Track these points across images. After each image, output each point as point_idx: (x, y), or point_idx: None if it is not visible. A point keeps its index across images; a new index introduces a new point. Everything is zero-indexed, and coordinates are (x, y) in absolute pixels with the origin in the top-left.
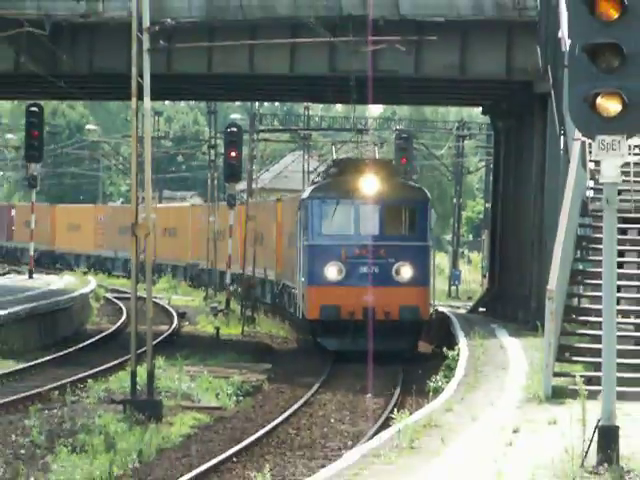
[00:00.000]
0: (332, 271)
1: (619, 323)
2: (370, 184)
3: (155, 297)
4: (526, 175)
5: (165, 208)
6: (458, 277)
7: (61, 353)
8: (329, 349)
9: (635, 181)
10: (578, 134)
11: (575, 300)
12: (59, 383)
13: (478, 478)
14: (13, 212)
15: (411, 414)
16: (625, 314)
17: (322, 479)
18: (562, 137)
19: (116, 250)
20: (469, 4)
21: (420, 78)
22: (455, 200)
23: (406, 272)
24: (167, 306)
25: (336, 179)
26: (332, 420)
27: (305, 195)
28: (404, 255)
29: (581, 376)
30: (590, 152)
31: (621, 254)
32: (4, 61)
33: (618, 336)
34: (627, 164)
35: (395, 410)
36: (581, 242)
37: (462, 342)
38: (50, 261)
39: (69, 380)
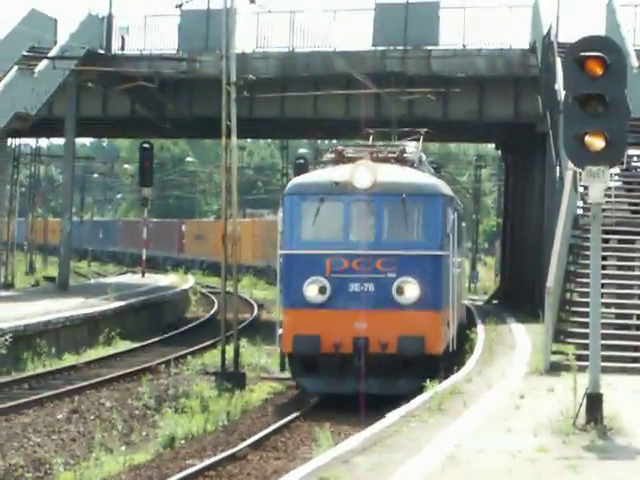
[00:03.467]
0: (312, 290)
1: (602, 313)
2: (367, 174)
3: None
4: (529, 197)
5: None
6: (477, 276)
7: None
8: (310, 392)
9: (615, 202)
10: (571, 165)
11: (568, 294)
12: (165, 359)
13: (492, 432)
14: (184, 227)
15: (440, 383)
16: (607, 305)
17: (370, 434)
18: (558, 167)
19: (269, 260)
20: (485, 63)
21: (446, 121)
22: (474, 216)
23: (411, 291)
24: (249, 299)
25: (328, 169)
26: None
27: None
28: (409, 268)
29: (573, 354)
30: (580, 179)
31: (604, 258)
32: (123, 108)
33: (602, 323)
34: (609, 188)
35: (427, 380)
36: (573, 249)
37: (480, 327)
38: (216, 271)
39: (173, 356)
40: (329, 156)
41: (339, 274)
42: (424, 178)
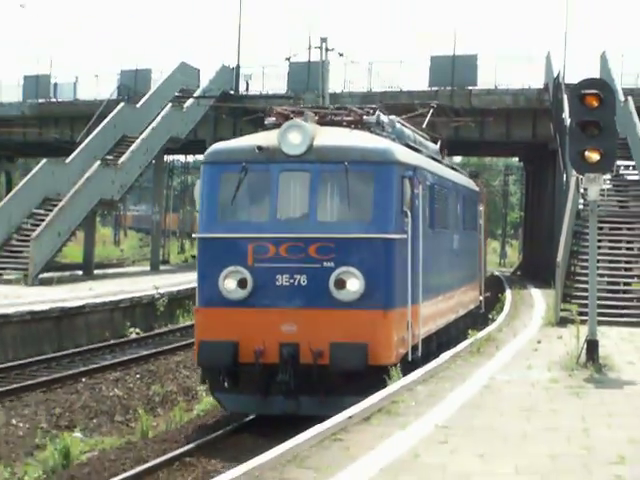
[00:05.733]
0: (230, 283)
1: (598, 281)
2: (299, 136)
3: None
4: (544, 196)
5: None
6: (505, 255)
7: None
8: (229, 411)
9: (607, 199)
10: (574, 173)
11: (572, 267)
12: None
13: (517, 368)
14: None
15: (478, 332)
16: (601, 275)
17: (428, 370)
18: (565, 174)
19: None
20: (511, 99)
21: (482, 141)
22: (503, 210)
23: (353, 284)
24: None
25: (257, 134)
26: None
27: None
28: (351, 255)
29: (576, 311)
30: (581, 183)
31: (599, 241)
32: (248, 133)
33: (597, 288)
34: (603, 189)
35: (470, 330)
36: (576, 234)
37: (507, 291)
38: None
39: None
40: (270, 119)
41: (263, 263)
42: (374, 142)
